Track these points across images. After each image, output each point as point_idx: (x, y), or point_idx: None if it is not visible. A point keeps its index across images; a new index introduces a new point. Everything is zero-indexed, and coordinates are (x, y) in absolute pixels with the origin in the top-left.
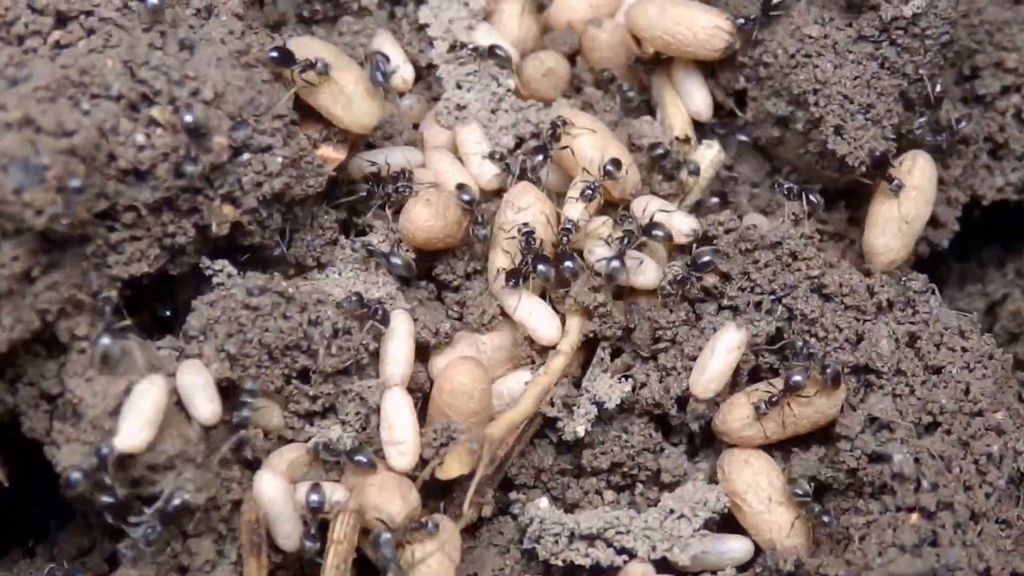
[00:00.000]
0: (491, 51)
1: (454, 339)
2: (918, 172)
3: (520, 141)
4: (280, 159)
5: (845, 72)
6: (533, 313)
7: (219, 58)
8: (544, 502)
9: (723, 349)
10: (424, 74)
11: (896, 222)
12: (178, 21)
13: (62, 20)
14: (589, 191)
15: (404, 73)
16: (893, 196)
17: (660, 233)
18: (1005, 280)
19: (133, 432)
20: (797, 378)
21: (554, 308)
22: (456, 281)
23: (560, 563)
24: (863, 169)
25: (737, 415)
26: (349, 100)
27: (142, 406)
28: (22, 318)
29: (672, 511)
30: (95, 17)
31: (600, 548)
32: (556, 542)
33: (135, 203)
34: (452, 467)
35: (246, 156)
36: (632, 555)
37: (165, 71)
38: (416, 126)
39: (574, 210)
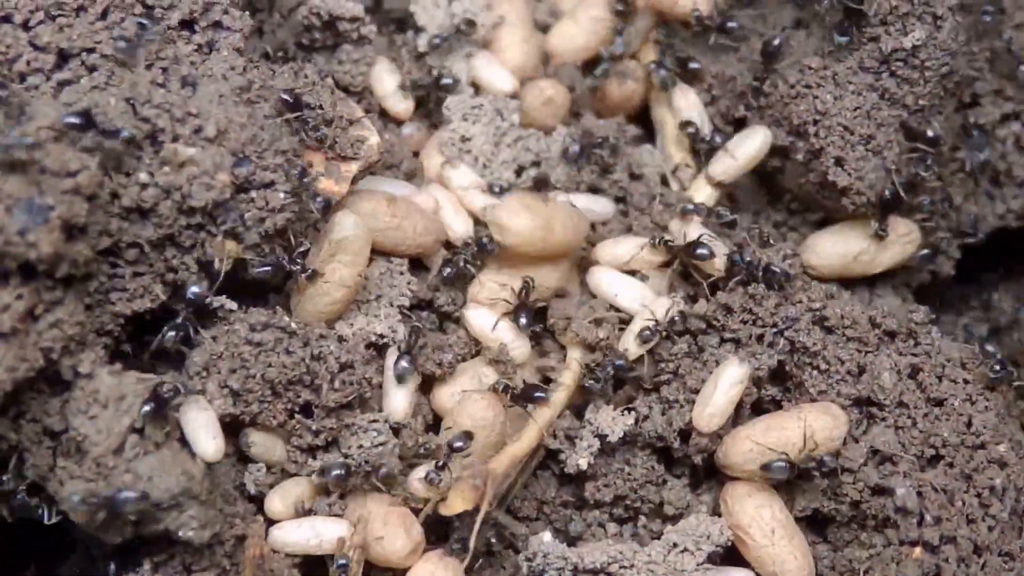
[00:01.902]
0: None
1: (456, 370)
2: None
3: (520, 170)
4: (282, 194)
5: (845, 103)
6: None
7: (221, 95)
8: (547, 536)
9: (726, 384)
10: (424, 102)
11: (851, 250)
12: (180, 58)
13: (64, 58)
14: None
15: (404, 103)
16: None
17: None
18: (1007, 306)
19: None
20: None
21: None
22: (458, 312)
23: None
24: (865, 205)
25: (740, 449)
26: None
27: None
28: (26, 356)
29: (675, 544)
30: (97, 54)
31: None
32: (560, 574)
33: (138, 240)
34: (456, 503)
35: (249, 192)
36: None
37: (168, 109)
38: (416, 154)
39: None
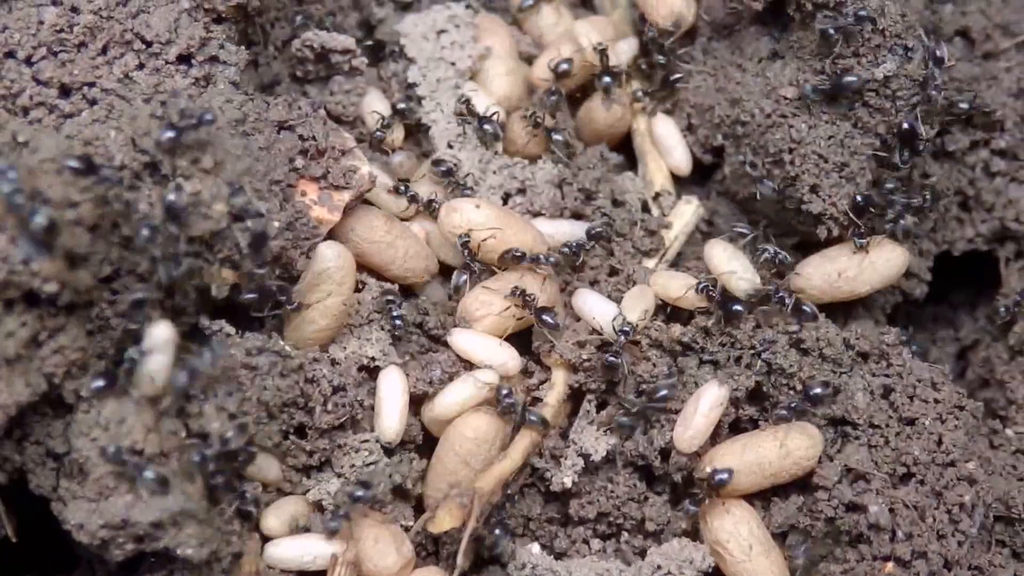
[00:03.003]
0: (480, 122)
1: (446, 388)
2: (887, 258)
3: (507, 197)
4: (277, 223)
5: (819, 132)
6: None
7: (218, 128)
8: (536, 548)
9: (706, 406)
10: (414, 131)
11: (835, 269)
12: (178, 91)
13: (65, 91)
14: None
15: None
16: (852, 246)
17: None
18: (976, 326)
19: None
20: None
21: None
22: (446, 334)
23: None
24: (839, 224)
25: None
26: None
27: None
28: (30, 381)
29: (659, 567)
30: (97, 88)
31: None
32: None
33: (138, 268)
34: (444, 521)
35: (245, 221)
36: None
37: None
38: (406, 181)
39: None
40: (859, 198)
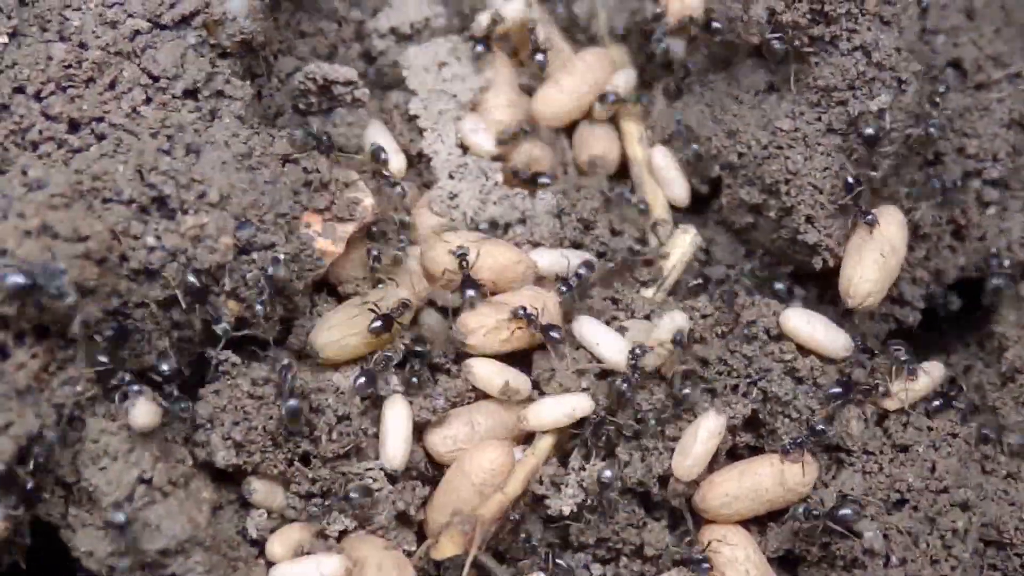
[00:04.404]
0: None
1: (449, 416)
2: (892, 220)
3: (507, 227)
4: (282, 255)
5: (815, 163)
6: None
7: (224, 161)
8: None
9: (704, 435)
10: (415, 162)
11: (874, 252)
12: (184, 126)
13: (74, 126)
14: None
15: (397, 162)
16: (868, 231)
17: None
18: (968, 352)
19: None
20: None
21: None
22: (447, 364)
23: None
24: (832, 260)
25: (716, 493)
26: None
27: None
28: (40, 412)
29: None
30: (106, 123)
31: None
32: None
33: (146, 300)
34: (446, 547)
35: (251, 254)
36: None
37: (173, 175)
38: (408, 212)
39: None
40: (849, 179)
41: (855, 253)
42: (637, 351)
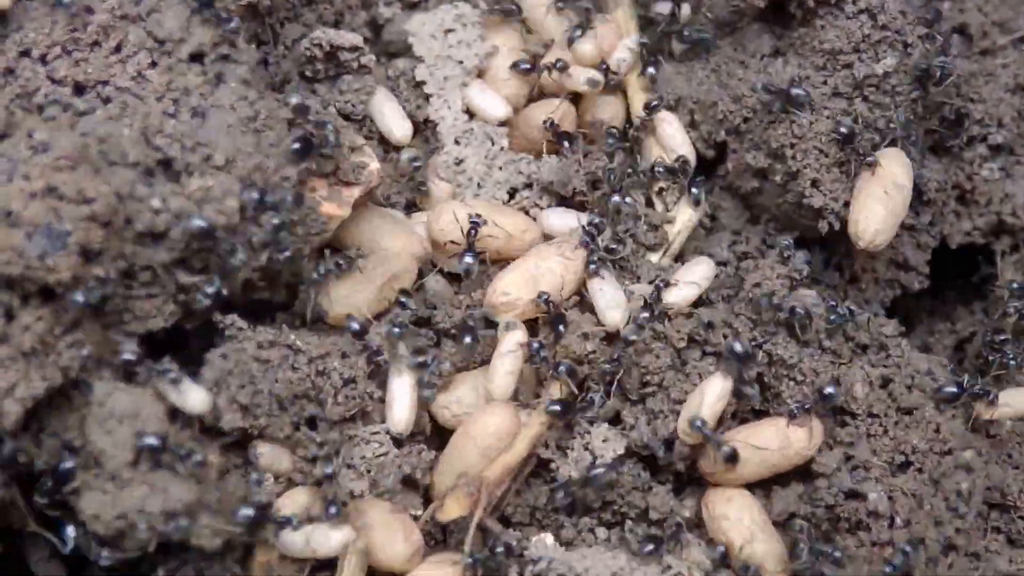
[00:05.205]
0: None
1: (455, 380)
2: (893, 159)
3: (513, 192)
4: (288, 219)
5: (821, 127)
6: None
7: (229, 125)
8: (550, 539)
9: (711, 397)
10: (421, 129)
11: (877, 191)
12: (190, 89)
13: (80, 89)
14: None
15: (403, 129)
16: (870, 173)
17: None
18: (973, 319)
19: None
20: None
21: None
22: (454, 330)
23: None
24: (837, 223)
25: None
26: None
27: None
28: (46, 375)
29: (670, 567)
30: (111, 87)
31: None
32: None
33: (151, 263)
34: (451, 509)
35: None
36: None
37: (179, 138)
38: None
39: None
40: (843, 129)
41: (859, 196)
42: (660, 284)
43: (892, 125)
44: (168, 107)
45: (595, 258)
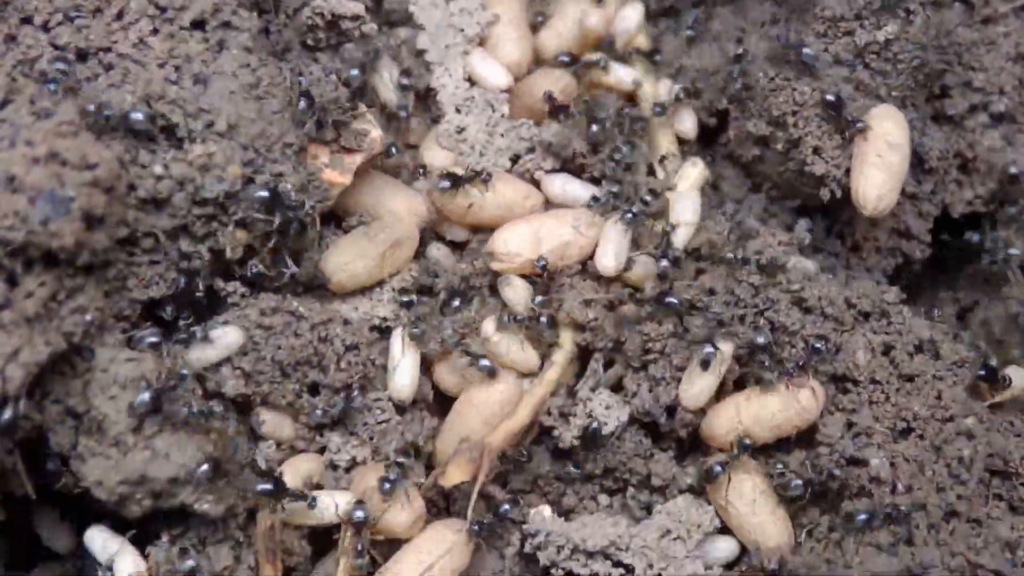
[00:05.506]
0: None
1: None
2: (885, 117)
3: (516, 158)
4: (290, 185)
5: (833, 99)
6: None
7: (231, 91)
8: (547, 511)
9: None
10: (423, 97)
11: (871, 154)
12: (192, 56)
13: (82, 56)
14: None
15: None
16: (863, 138)
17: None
18: (974, 288)
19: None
20: None
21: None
22: (456, 299)
23: (560, 571)
24: (839, 190)
25: (722, 421)
26: None
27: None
28: (49, 341)
29: (669, 531)
30: (113, 53)
31: (599, 561)
32: (559, 552)
33: (154, 230)
34: (454, 475)
35: (258, 183)
36: (630, 571)
37: (181, 105)
38: (416, 147)
39: None
40: (829, 97)
41: (855, 163)
42: (668, 228)
43: (894, 94)
44: (170, 74)
45: (632, 211)
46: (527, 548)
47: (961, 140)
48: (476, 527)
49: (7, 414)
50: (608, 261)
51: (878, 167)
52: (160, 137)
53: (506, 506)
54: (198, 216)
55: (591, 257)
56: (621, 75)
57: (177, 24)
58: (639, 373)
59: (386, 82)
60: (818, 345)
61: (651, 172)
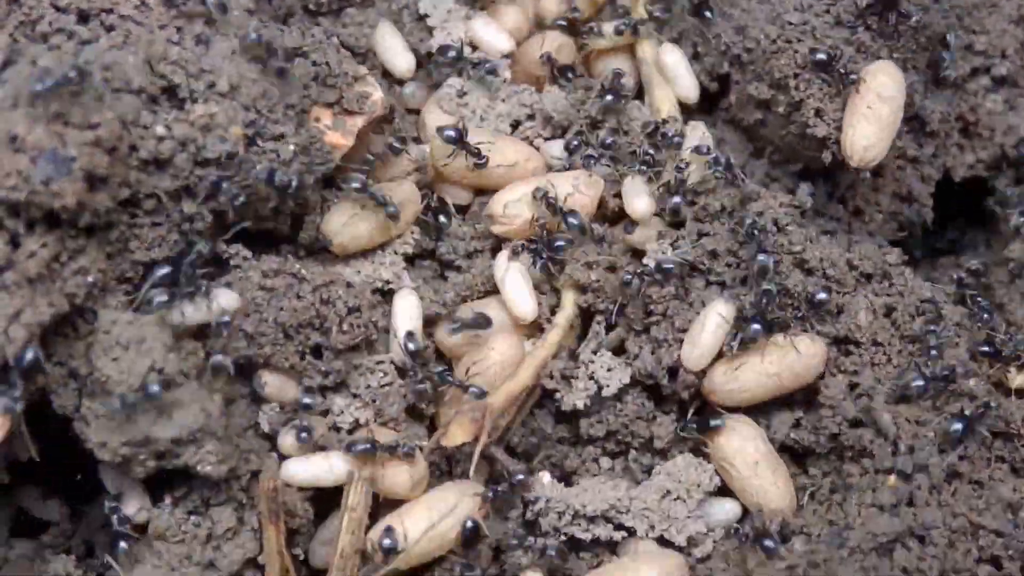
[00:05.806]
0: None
1: (459, 309)
2: (879, 71)
3: (517, 124)
4: (292, 147)
5: (824, 57)
6: (516, 288)
7: (233, 52)
8: (547, 477)
9: (713, 323)
10: (424, 62)
11: (860, 106)
12: (193, 18)
13: (84, 18)
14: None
15: (406, 62)
16: (855, 91)
17: None
18: (976, 252)
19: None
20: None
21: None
22: (458, 261)
23: (562, 536)
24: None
25: (723, 377)
26: None
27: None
28: (52, 302)
29: (669, 491)
30: (115, 15)
31: (600, 524)
32: (559, 518)
33: (156, 191)
34: (456, 435)
35: (260, 144)
36: (631, 533)
37: (183, 65)
38: (417, 112)
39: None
40: (820, 56)
41: (846, 115)
42: (680, 164)
43: (896, 56)
44: (172, 35)
45: (643, 158)
46: (528, 515)
47: (963, 103)
48: (491, 493)
49: (30, 354)
50: (641, 203)
51: (867, 118)
52: (162, 98)
53: (520, 476)
54: (200, 177)
55: (592, 217)
56: (606, 30)
57: None
58: (641, 336)
59: (388, 46)
60: (821, 296)
61: (652, 136)
